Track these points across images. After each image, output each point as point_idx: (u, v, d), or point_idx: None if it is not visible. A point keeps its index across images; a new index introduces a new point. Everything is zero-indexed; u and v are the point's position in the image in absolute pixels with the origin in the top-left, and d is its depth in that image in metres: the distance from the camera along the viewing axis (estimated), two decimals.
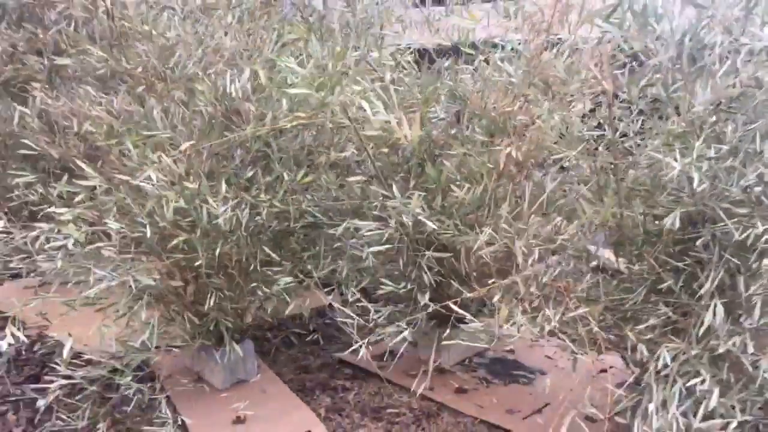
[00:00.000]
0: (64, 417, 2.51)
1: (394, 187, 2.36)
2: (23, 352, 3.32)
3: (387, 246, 2.33)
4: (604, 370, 3.00)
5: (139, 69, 2.60)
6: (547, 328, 2.21)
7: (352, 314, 2.48)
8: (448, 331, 2.69)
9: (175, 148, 2.35)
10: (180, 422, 2.62)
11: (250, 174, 2.55)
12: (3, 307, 3.84)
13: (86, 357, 2.91)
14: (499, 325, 2.34)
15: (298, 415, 2.64)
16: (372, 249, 2.29)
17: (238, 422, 2.59)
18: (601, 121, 2.58)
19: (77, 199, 2.33)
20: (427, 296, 2.53)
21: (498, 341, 3.36)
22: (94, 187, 2.52)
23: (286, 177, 2.50)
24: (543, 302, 2.34)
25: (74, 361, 3.17)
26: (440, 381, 2.94)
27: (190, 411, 2.66)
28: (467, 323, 2.40)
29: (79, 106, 2.70)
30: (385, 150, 2.52)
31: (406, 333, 2.45)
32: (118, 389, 2.70)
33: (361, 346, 3.16)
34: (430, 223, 2.21)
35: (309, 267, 2.71)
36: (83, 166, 2.30)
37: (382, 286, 2.60)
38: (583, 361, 2.26)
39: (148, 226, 2.21)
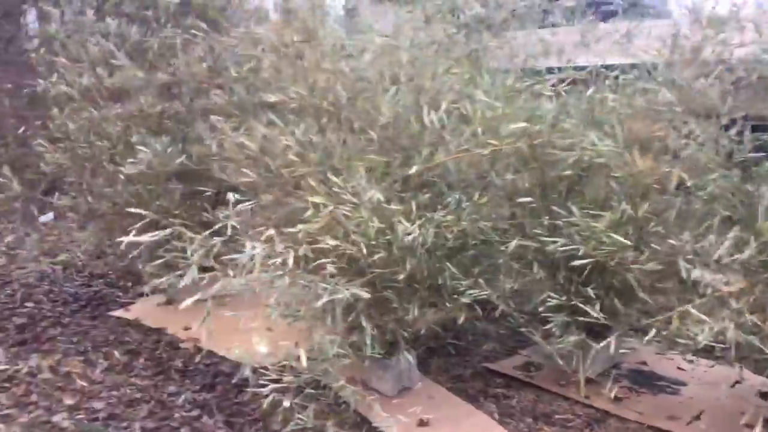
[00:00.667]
0: (300, 418, 2.68)
1: (573, 207, 2.58)
2: (189, 365, 3.57)
3: (583, 261, 2.52)
4: (738, 382, 3.17)
5: (325, 102, 2.86)
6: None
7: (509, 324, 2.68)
8: (611, 341, 2.88)
9: (375, 174, 2.60)
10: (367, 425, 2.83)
11: (426, 195, 2.79)
12: (157, 323, 4.12)
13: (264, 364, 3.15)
14: (670, 338, 2.55)
15: (476, 419, 2.84)
16: (578, 262, 2.48)
17: (422, 425, 2.79)
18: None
19: (307, 215, 2.56)
20: (597, 308, 2.73)
21: (632, 353, 3.54)
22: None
23: (465, 199, 2.73)
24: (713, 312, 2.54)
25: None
26: (592, 390, 3.13)
27: (373, 415, 2.87)
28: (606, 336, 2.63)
29: (264, 136, 2.98)
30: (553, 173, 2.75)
31: (572, 339, 2.65)
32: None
33: (512, 355, 3.39)
34: (623, 240, 2.41)
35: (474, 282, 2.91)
36: (313, 185, 2.53)
37: (549, 300, 2.80)
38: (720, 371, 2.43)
39: (362, 244, 2.45)
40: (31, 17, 11.15)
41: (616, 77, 2.89)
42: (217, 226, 2.56)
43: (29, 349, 3.80)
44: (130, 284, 5.08)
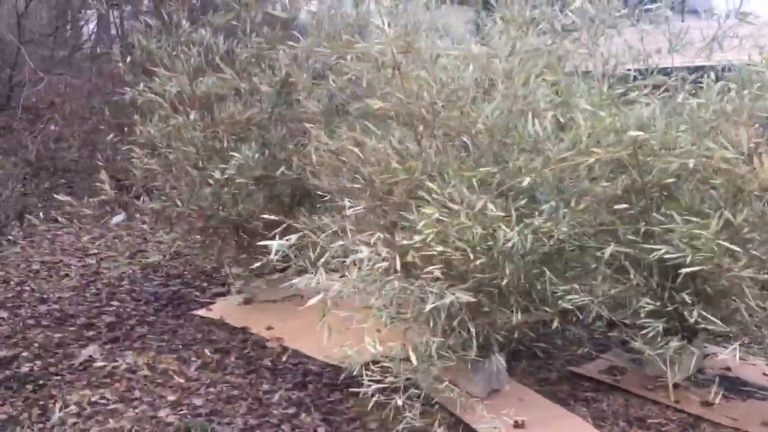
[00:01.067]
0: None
1: (674, 214, 2.62)
2: (278, 364, 3.69)
3: (693, 269, 2.55)
4: None
5: (423, 110, 2.95)
6: None
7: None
8: (703, 348, 2.91)
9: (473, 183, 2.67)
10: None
11: (523, 201, 2.85)
12: (240, 322, 4.26)
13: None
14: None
15: (571, 422, 2.89)
16: (686, 270, 2.52)
17: (517, 427, 2.86)
18: None
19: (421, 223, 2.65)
20: (695, 314, 2.76)
21: (714, 359, 3.56)
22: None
23: (562, 205, 2.79)
24: None
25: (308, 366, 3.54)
26: (680, 395, 3.15)
27: (467, 416, 2.94)
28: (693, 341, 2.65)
29: (358, 143, 3.08)
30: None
31: (674, 344, 2.68)
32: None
33: (593, 359, 3.42)
34: (733, 247, 2.44)
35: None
36: (423, 194, 2.62)
37: (646, 305, 2.84)
38: None
39: (468, 250, 2.53)
40: (92, 25, 11.50)
41: (716, 80, 2.90)
42: (330, 230, 2.65)
43: (122, 346, 3.97)
44: (206, 284, 5.25)
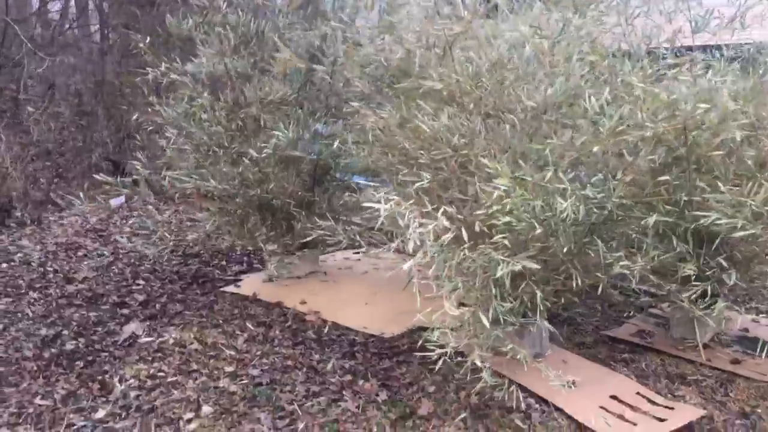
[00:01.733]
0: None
1: (720, 184, 2.81)
2: (322, 336, 3.82)
3: (743, 233, 2.73)
4: None
5: (474, 89, 3.08)
6: None
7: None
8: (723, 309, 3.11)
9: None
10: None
11: (571, 175, 3.02)
12: (273, 297, 4.36)
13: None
14: None
15: (618, 380, 3.09)
16: (739, 234, 2.71)
17: (563, 385, 3.04)
18: None
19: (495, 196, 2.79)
20: (733, 277, 2.97)
21: (730, 321, 3.79)
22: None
23: (611, 177, 2.97)
24: None
25: (354, 337, 3.69)
26: (710, 354, 3.37)
27: (523, 378, 3.12)
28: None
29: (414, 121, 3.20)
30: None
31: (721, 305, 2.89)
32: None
33: (620, 324, 3.63)
34: None
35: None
36: (498, 167, 2.75)
37: (686, 269, 3.04)
38: None
39: (535, 222, 2.69)
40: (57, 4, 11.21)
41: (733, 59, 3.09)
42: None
43: (161, 323, 4.05)
44: (224, 263, 5.33)
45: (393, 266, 4.99)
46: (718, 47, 3.75)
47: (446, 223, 2.67)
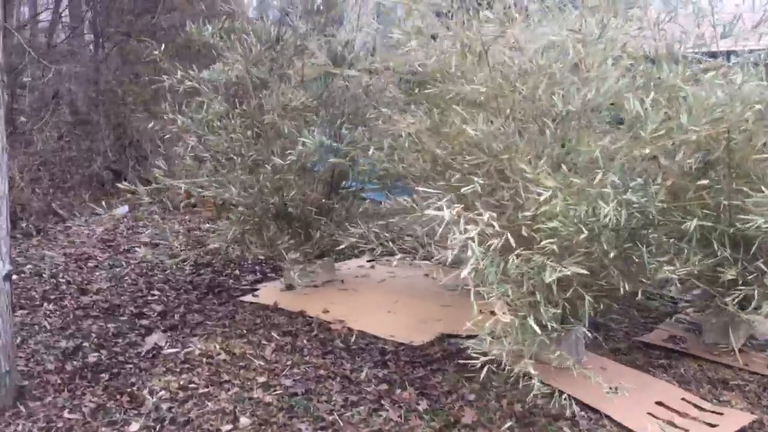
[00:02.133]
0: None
1: (763, 188, 2.80)
2: (350, 345, 3.76)
3: None
4: None
5: (510, 94, 3.06)
6: None
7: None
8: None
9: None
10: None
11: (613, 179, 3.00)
12: (294, 306, 4.28)
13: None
14: None
15: (661, 386, 3.07)
16: None
17: (611, 392, 3.00)
18: None
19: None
20: None
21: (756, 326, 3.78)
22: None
23: (651, 181, 2.95)
24: None
25: (379, 345, 3.64)
26: (746, 359, 3.36)
27: (564, 385, 3.08)
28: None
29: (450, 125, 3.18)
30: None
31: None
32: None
33: (649, 330, 3.61)
34: None
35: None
36: (538, 172, 2.72)
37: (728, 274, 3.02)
38: None
39: (582, 227, 2.66)
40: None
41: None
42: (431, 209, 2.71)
43: (183, 333, 3.97)
44: (237, 272, 5.26)
45: (410, 274, 4.98)
46: (735, 52, 3.78)
47: (496, 227, 2.63)
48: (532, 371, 2.58)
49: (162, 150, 5.51)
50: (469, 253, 2.46)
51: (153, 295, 4.70)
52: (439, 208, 2.40)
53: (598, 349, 3.55)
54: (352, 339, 3.80)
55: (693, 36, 3.39)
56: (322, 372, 3.39)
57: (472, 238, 2.45)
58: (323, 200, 4.31)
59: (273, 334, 3.87)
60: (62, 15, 10.25)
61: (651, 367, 3.32)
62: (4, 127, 3.11)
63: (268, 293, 4.62)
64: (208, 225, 6.45)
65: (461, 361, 3.42)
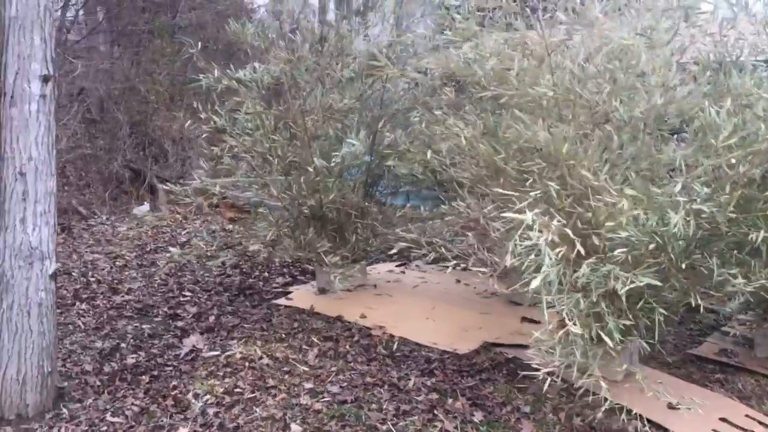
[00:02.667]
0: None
1: None
2: (394, 351, 3.68)
3: None
4: None
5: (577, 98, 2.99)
6: None
7: None
8: None
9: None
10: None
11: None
12: (331, 311, 4.20)
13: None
14: None
15: (722, 402, 2.99)
16: None
17: (671, 408, 2.93)
18: None
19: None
20: None
21: None
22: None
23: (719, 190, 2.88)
24: None
25: (427, 353, 3.56)
26: None
27: (621, 399, 3.00)
28: None
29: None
30: None
31: None
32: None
33: (697, 344, 3.53)
34: None
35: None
36: (611, 187, 2.65)
37: None
38: None
39: (655, 235, 2.59)
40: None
41: None
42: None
43: (220, 336, 3.90)
44: (266, 274, 5.18)
45: (441, 280, 4.90)
46: None
47: (570, 234, 2.56)
48: (603, 385, 2.49)
49: (185, 150, 5.43)
50: (546, 261, 2.38)
51: (185, 296, 4.63)
52: (520, 211, 2.31)
53: (649, 362, 3.47)
54: (394, 345, 3.73)
55: (751, 42, 3.33)
56: (369, 379, 3.31)
57: (546, 244, 2.37)
58: (362, 203, 4.24)
59: (313, 338, 3.79)
60: (78, 12, 10.20)
61: (708, 381, 3.25)
62: (54, 123, 3.04)
63: (302, 297, 4.55)
64: (230, 226, 6.39)
65: (508, 371, 3.37)
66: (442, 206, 3.57)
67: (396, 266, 5.40)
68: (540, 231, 2.46)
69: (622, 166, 2.85)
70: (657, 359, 3.51)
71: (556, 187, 2.65)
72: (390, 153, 4.15)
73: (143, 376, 3.40)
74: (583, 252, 2.59)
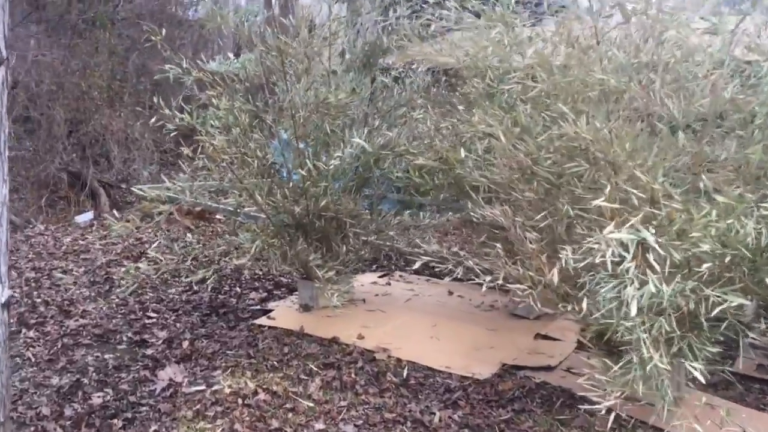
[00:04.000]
0: None
1: None
2: (406, 378, 3.24)
3: None
4: None
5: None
6: None
7: None
8: None
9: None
10: None
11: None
12: (323, 332, 3.72)
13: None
14: None
15: None
16: None
17: None
18: None
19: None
20: None
21: None
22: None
23: None
24: None
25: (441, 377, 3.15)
26: None
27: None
28: None
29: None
30: None
31: None
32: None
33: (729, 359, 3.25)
34: None
35: None
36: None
37: None
38: None
39: (744, 249, 2.25)
40: None
41: None
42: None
43: (201, 366, 3.38)
44: (239, 289, 4.65)
45: (432, 292, 4.50)
46: None
47: (652, 244, 2.19)
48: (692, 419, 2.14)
49: (131, 151, 4.84)
50: (635, 283, 2.00)
51: (149, 317, 4.06)
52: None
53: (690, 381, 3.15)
54: (404, 372, 3.29)
55: None
56: (387, 415, 2.87)
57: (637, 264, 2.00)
58: (356, 210, 3.78)
59: (311, 366, 3.31)
60: None
61: (761, 404, 2.95)
62: (7, 117, 2.46)
63: (285, 315, 4.05)
64: (189, 236, 5.80)
65: (542, 398, 2.99)
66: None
67: (379, 277, 4.96)
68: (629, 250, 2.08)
69: (681, 169, 2.50)
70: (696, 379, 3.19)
71: (639, 194, 2.27)
72: (386, 154, 3.70)
73: (115, 420, 2.86)
74: (659, 269, 2.22)
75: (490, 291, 2.85)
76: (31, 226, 6.21)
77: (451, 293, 4.54)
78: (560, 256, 2.72)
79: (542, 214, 2.88)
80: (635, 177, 2.52)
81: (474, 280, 2.97)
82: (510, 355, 3.49)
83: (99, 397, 3.05)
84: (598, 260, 2.27)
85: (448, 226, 4.86)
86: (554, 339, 3.69)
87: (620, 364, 2.42)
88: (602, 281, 2.38)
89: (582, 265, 2.40)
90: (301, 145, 3.56)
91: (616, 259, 2.31)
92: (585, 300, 2.50)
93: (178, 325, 3.95)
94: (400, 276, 4.99)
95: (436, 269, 3.20)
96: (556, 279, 2.58)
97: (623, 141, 2.48)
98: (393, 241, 3.93)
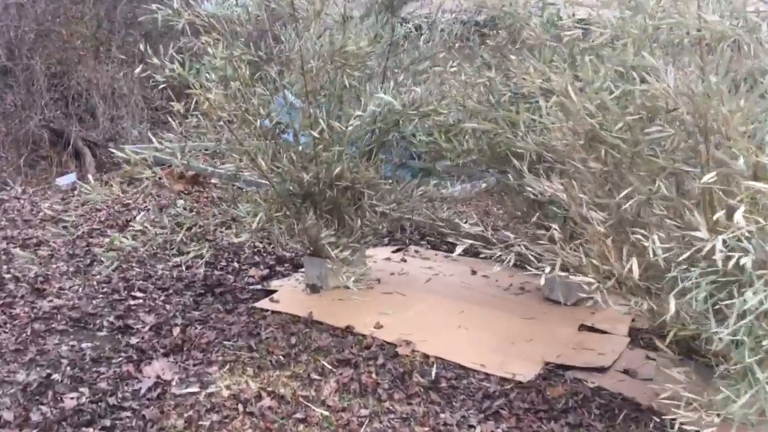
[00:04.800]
0: None
1: None
2: (435, 380, 2.76)
3: None
4: None
5: None
6: None
7: None
8: None
9: None
10: None
11: None
12: (334, 320, 3.23)
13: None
14: None
15: None
16: None
17: None
18: None
19: None
20: None
21: None
22: None
23: None
24: None
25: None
26: None
27: None
28: None
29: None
30: None
31: None
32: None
33: None
34: None
35: None
36: None
37: None
38: None
39: None
40: None
41: None
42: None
43: (193, 359, 2.88)
44: (236, 265, 4.15)
45: (453, 270, 4.01)
46: None
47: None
48: None
49: (117, 107, 4.29)
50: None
51: (135, 298, 3.55)
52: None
53: None
54: (433, 371, 2.80)
55: None
56: (417, 428, 2.39)
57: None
58: (376, 178, 3.26)
59: (323, 362, 2.83)
60: None
61: None
62: None
63: (290, 297, 3.55)
64: (182, 202, 5.26)
65: (600, 408, 2.51)
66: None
67: (393, 252, 4.47)
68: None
69: None
70: None
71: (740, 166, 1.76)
72: (412, 114, 3.16)
73: (90, 429, 2.37)
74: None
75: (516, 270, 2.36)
76: (7, 188, 5.68)
77: (474, 272, 4.05)
78: (633, 241, 2.23)
79: (608, 189, 2.39)
80: (737, 146, 2.01)
81: (494, 256, 2.50)
82: (552, 350, 3.01)
83: (73, 398, 2.56)
84: (704, 252, 1.77)
85: (475, 197, 4.36)
86: (602, 332, 3.20)
87: (722, 382, 1.93)
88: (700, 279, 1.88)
89: (673, 256, 1.90)
90: (310, 103, 3.01)
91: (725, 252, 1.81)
92: (672, 300, 2.00)
93: (167, 307, 3.45)
94: (416, 251, 4.49)
95: (481, 255, 2.69)
96: (636, 272, 2.08)
97: (730, 101, 1.96)
98: (416, 215, 3.40)
